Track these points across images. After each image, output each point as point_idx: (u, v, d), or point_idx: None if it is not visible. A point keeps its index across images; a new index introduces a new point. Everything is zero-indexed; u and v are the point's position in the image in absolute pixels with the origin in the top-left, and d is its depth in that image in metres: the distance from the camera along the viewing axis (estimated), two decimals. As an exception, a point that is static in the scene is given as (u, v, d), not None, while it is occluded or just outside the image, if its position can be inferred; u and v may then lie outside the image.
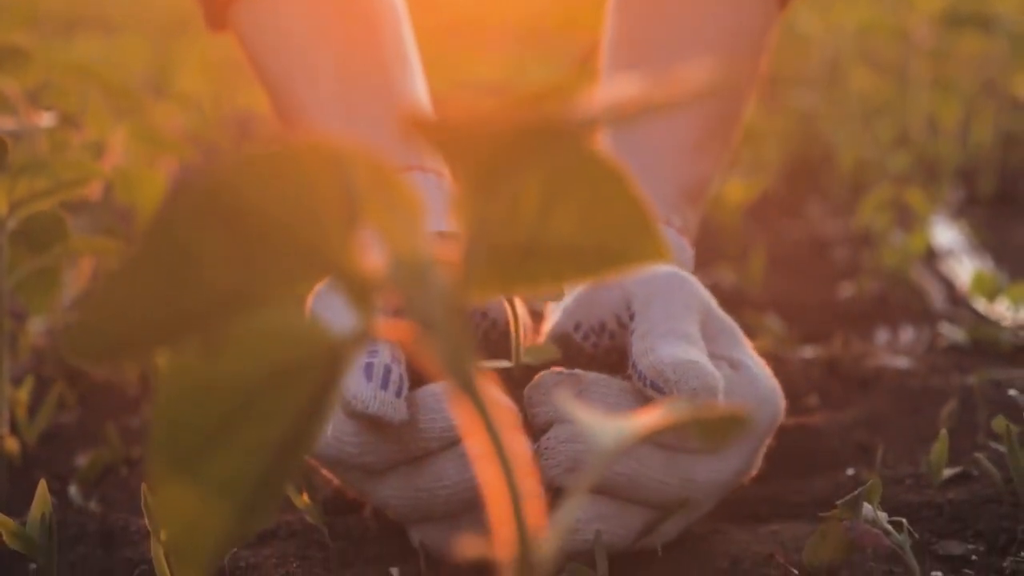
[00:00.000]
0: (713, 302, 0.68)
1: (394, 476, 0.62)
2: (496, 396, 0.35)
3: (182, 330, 0.34)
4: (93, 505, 0.75)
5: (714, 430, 0.38)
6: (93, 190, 1.19)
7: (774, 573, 0.62)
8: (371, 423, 0.60)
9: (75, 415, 0.95)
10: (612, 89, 0.30)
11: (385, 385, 0.58)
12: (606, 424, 0.37)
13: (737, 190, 1.40)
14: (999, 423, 0.68)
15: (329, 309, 0.62)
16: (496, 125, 0.31)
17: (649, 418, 0.37)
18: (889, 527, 0.57)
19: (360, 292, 0.35)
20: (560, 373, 0.62)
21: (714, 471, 0.63)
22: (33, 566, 0.64)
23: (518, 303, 0.65)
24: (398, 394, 0.59)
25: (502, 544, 0.33)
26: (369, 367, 0.59)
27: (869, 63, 2.38)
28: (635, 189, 0.39)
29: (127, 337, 0.32)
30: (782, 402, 0.68)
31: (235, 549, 0.66)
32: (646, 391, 0.60)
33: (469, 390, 0.35)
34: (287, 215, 0.34)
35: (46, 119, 1.10)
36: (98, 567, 0.66)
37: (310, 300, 0.65)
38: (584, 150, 0.37)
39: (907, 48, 2.10)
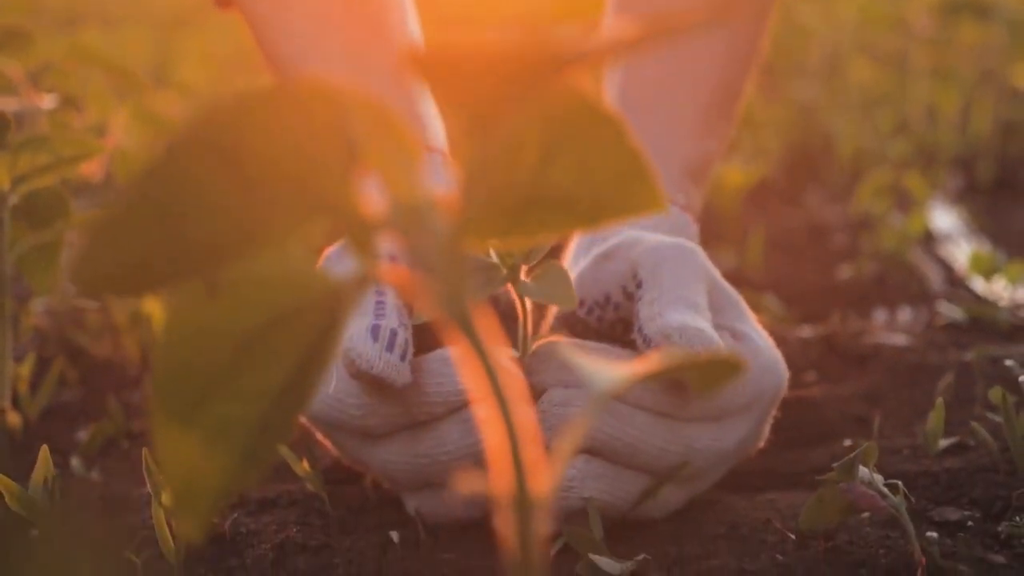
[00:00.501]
0: (718, 274, 0.68)
1: (395, 441, 0.63)
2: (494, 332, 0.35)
3: (183, 269, 0.34)
4: (95, 475, 0.75)
5: (707, 376, 0.38)
6: (94, 171, 1.19)
7: (771, 538, 0.62)
8: (374, 385, 0.60)
9: (77, 392, 0.96)
10: (611, 27, 0.31)
11: (391, 348, 0.59)
12: (600, 368, 0.37)
13: (736, 176, 1.40)
14: (995, 393, 0.69)
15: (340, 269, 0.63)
16: (492, 58, 0.31)
17: (643, 365, 0.37)
18: (885, 490, 0.58)
19: (360, 236, 0.35)
20: (559, 342, 0.63)
21: (716, 440, 0.64)
22: (35, 532, 0.64)
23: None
24: (403, 358, 0.59)
25: (500, 481, 0.34)
26: (376, 328, 0.59)
27: (869, 54, 2.38)
28: (633, 140, 0.39)
29: (129, 271, 0.32)
30: (785, 374, 0.69)
31: (235, 515, 0.67)
32: (650, 355, 0.61)
33: (467, 331, 0.35)
34: (286, 157, 0.34)
35: (47, 101, 1.10)
36: (99, 535, 0.67)
37: (321, 261, 0.65)
38: (583, 99, 0.37)
39: (907, 38, 2.11)
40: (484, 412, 0.35)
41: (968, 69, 2.00)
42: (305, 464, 0.68)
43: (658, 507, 0.64)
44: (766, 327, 0.95)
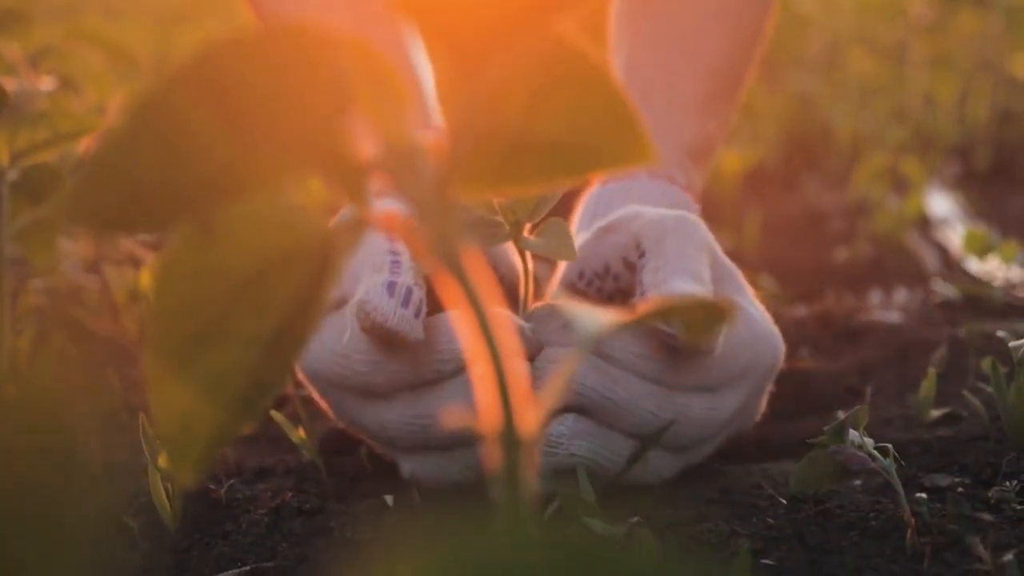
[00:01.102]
0: (719, 248, 0.69)
1: (396, 401, 0.63)
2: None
3: (177, 207, 0.34)
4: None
5: (696, 320, 0.39)
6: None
7: (762, 503, 0.63)
8: (384, 341, 0.61)
9: (77, 369, 0.96)
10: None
11: (406, 304, 0.59)
12: (590, 312, 0.38)
13: (734, 161, 1.41)
14: (987, 363, 0.69)
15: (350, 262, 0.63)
16: (480, 2, 0.32)
17: (633, 312, 0.38)
18: (876, 453, 0.58)
19: (351, 179, 0.36)
20: (558, 303, 0.63)
21: (710, 409, 0.64)
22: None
23: (529, 258, 0.66)
24: (417, 315, 0.60)
25: (487, 418, 0.34)
26: (392, 285, 0.60)
27: (867, 45, 2.39)
28: (622, 90, 0.39)
29: (123, 205, 0.33)
30: (781, 347, 0.69)
31: (231, 482, 0.67)
32: (657, 332, 0.61)
33: (456, 272, 0.36)
34: (279, 99, 0.34)
35: (46, 83, 1.11)
36: (95, 500, 0.67)
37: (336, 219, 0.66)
38: (571, 45, 0.37)
39: (905, 28, 2.11)
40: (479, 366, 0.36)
41: (966, 58, 2.01)
42: (301, 432, 0.68)
43: (651, 474, 0.65)
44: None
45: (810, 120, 2.01)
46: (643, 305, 0.37)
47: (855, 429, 0.59)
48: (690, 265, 0.64)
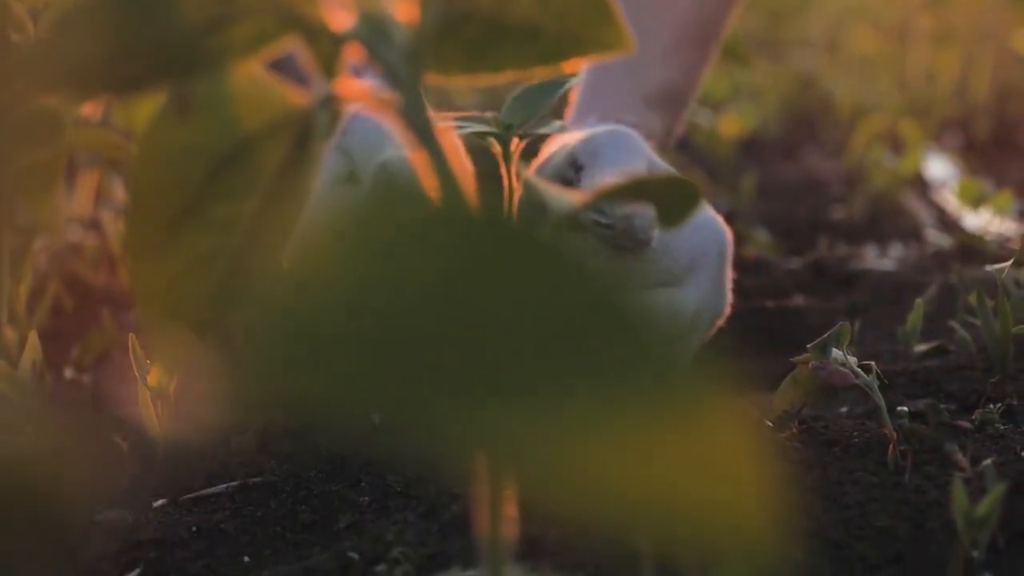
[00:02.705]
0: (655, 155, 0.69)
1: None
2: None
3: (149, 73, 0.35)
4: (86, 379, 0.76)
5: (663, 198, 0.39)
6: (93, 111, 1.20)
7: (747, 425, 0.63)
8: None
9: (73, 319, 0.97)
10: None
11: None
12: (558, 191, 0.38)
13: (732, 124, 1.41)
14: (974, 295, 0.69)
15: (366, 138, 0.63)
16: None
17: (599, 186, 0.38)
18: (859, 370, 0.59)
19: (326, 49, 0.36)
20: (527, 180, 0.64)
21: (670, 304, 0.64)
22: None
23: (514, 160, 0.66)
24: None
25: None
26: None
27: (870, 23, 2.39)
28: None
29: (94, 65, 0.33)
30: (724, 229, 0.68)
31: (222, 407, 0.68)
32: (591, 226, 0.62)
33: (429, 145, 0.36)
34: (253, -36, 0.35)
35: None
36: (89, 427, 0.68)
37: (344, 129, 0.66)
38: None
39: (906, 6, 2.11)
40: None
41: (967, 32, 2.01)
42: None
43: None
44: (753, 257, 0.96)
45: (812, 95, 2.02)
46: (605, 183, 0.38)
47: (838, 346, 0.59)
48: (626, 172, 0.64)
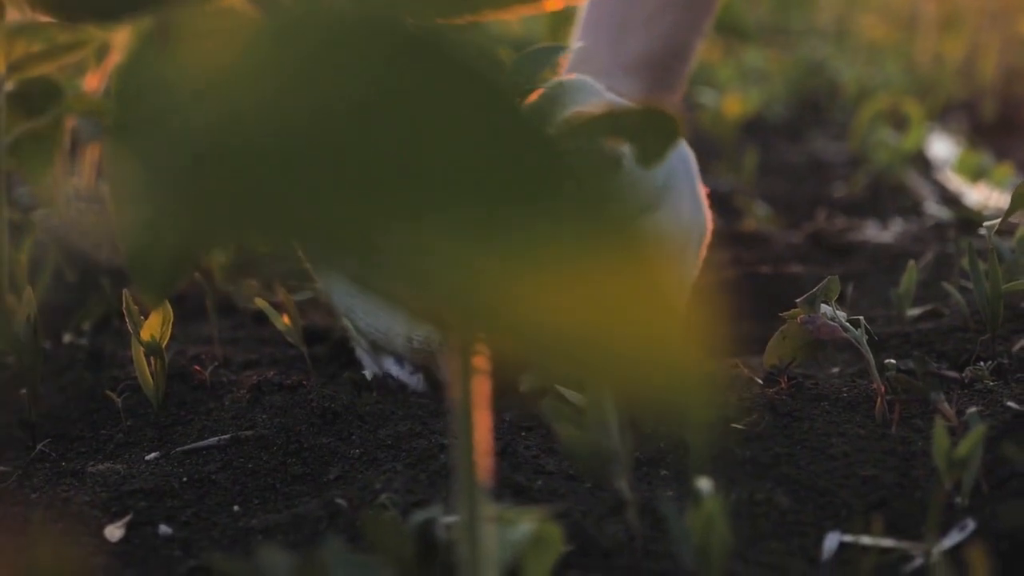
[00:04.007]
0: (615, 96, 0.69)
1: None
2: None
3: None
4: (84, 342, 0.77)
5: (641, 133, 0.39)
6: (94, 87, 1.21)
7: (739, 382, 0.63)
8: None
9: (75, 291, 0.97)
10: None
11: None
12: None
13: (735, 105, 1.41)
14: (967, 258, 0.69)
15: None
16: None
17: (590, 110, 0.38)
18: (847, 324, 0.59)
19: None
20: None
21: (657, 227, 0.65)
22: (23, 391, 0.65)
23: None
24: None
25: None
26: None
27: (878, 10, 2.39)
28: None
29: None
30: (687, 148, 0.69)
31: (218, 368, 0.68)
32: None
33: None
34: None
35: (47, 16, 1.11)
36: (85, 386, 0.68)
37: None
38: None
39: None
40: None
41: (974, 16, 2.00)
42: (286, 319, 0.69)
43: None
44: (753, 230, 0.97)
45: (818, 79, 2.02)
46: (585, 113, 0.38)
47: (827, 301, 0.59)
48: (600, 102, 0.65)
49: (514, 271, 0.15)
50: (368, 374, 0.65)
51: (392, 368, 0.67)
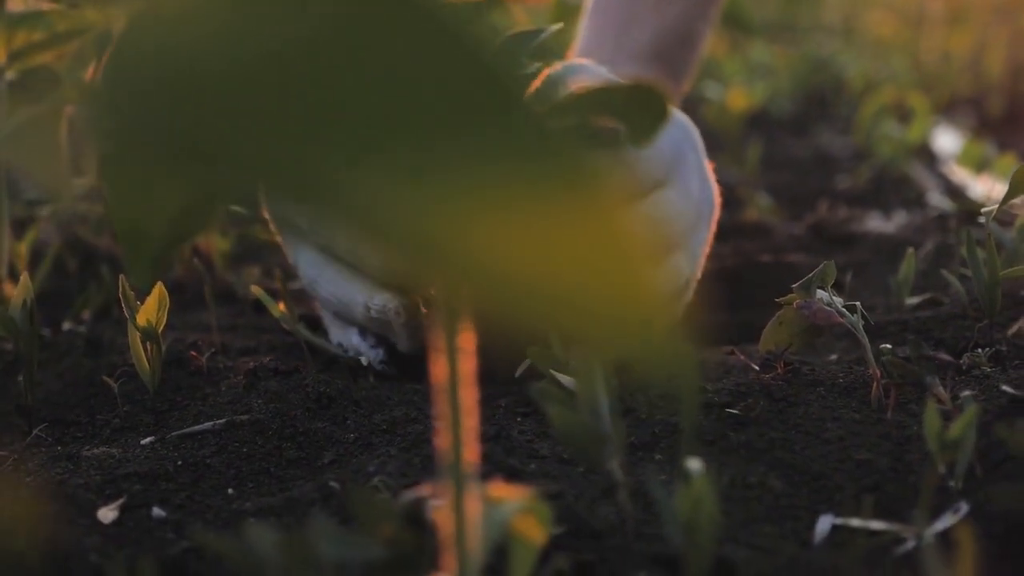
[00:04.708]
0: (615, 76, 0.69)
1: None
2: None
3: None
4: (83, 330, 0.77)
5: (631, 110, 0.39)
6: (94, 73, 1.21)
7: (736, 368, 0.63)
8: None
9: (75, 281, 0.97)
10: None
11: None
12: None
13: (739, 99, 1.41)
14: (966, 246, 0.69)
15: None
16: None
17: (566, 92, 0.38)
18: (844, 310, 0.59)
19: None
20: None
21: (668, 203, 0.65)
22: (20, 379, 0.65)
23: None
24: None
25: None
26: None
27: (885, 6, 2.39)
28: None
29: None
30: (690, 124, 0.70)
31: (215, 354, 0.68)
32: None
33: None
34: None
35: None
36: (83, 373, 0.68)
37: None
38: None
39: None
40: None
41: (981, 11, 2.00)
42: (282, 306, 0.69)
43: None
44: (755, 221, 0.96)
45: (825, 75, 2.01)
46: (574, 89, 0.38)
47: (823, 287, 0.59)
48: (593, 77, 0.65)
49: (465, 213, 0.15)
50: (334, 343, 0.66)
51: (355, 340, 0.68)
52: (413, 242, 0.15)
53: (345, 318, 0.68)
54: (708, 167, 0.69)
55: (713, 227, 0.69)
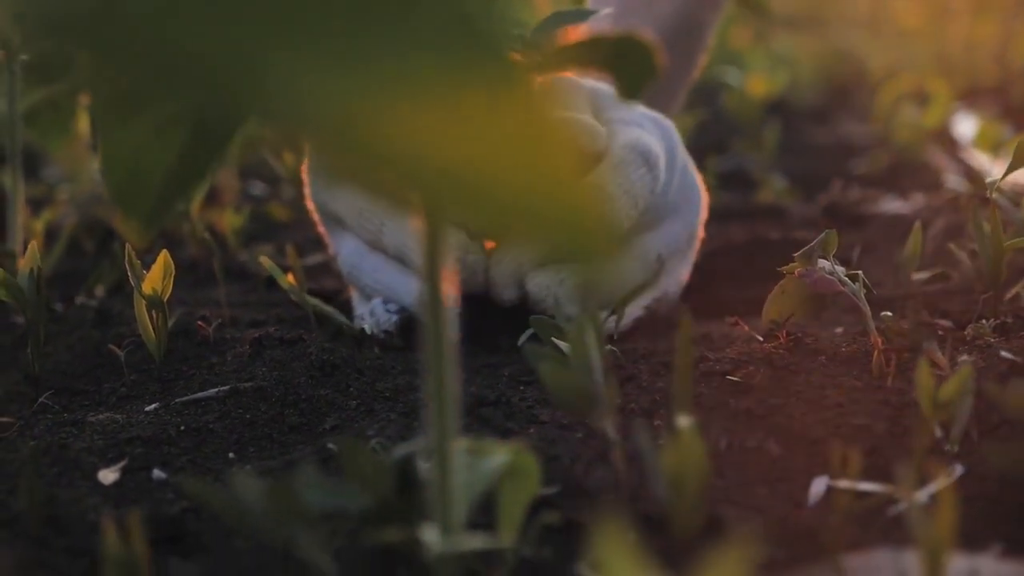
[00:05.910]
0: (599, 84, 0.71)
1: None
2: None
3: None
4: (93, 303, 0.77)
5: (620, 64, 0.39)
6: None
7: (739, 339, 0.63)
8: None
9: (91, 261, 0.98)
10: None
11: None
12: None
13: (759, 85, 1.41)
14: (974, 222, 0.69)
15: None
16: None
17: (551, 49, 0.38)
18: (846, 279, 0.58)
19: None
20: None
21: (662, 190, 0.67)
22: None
23: None
24: None
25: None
26: None
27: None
28: None
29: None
30: (669, 123, 0.72)
31: (223, 325, 0.69)
32: None
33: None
34: None
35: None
36: (92, 343, 0.69)
37: None
38: None
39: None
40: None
41: (1007, 2, 1.99)
42: (291, 278, 0.69)
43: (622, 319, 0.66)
44: (769, 203, 0.96)
45: (848, 66, 2.01)
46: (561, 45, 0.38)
47: (825, 256, 0.59)
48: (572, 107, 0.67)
49: (389, 100, 0.15)
50: (357, 315, 0.67)
51: (375, 303, 0.68)
52: (340, 134, 0.15)
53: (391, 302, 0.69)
54: (689, 160, 0.72)
55: (703, 213, 0.71)
